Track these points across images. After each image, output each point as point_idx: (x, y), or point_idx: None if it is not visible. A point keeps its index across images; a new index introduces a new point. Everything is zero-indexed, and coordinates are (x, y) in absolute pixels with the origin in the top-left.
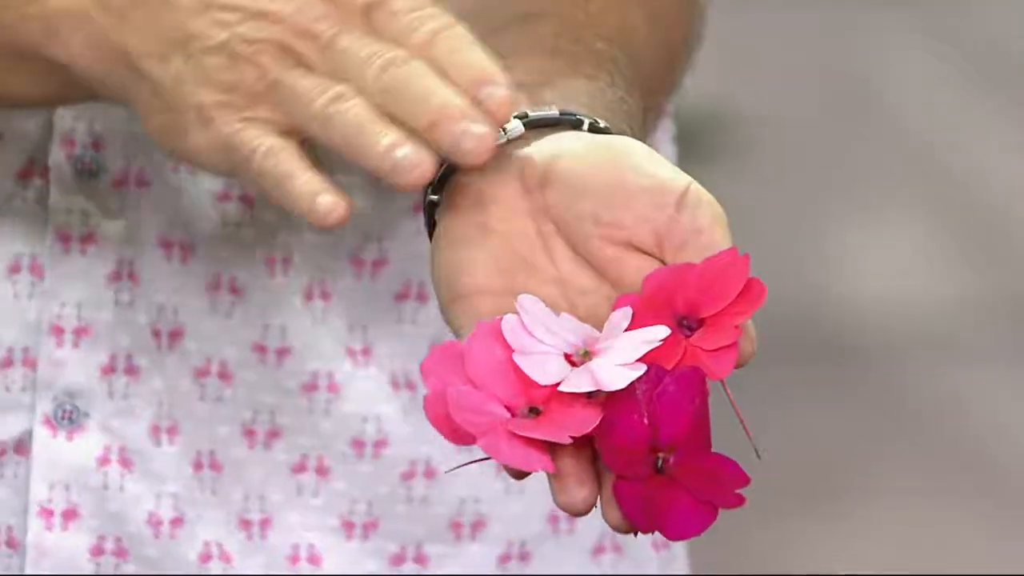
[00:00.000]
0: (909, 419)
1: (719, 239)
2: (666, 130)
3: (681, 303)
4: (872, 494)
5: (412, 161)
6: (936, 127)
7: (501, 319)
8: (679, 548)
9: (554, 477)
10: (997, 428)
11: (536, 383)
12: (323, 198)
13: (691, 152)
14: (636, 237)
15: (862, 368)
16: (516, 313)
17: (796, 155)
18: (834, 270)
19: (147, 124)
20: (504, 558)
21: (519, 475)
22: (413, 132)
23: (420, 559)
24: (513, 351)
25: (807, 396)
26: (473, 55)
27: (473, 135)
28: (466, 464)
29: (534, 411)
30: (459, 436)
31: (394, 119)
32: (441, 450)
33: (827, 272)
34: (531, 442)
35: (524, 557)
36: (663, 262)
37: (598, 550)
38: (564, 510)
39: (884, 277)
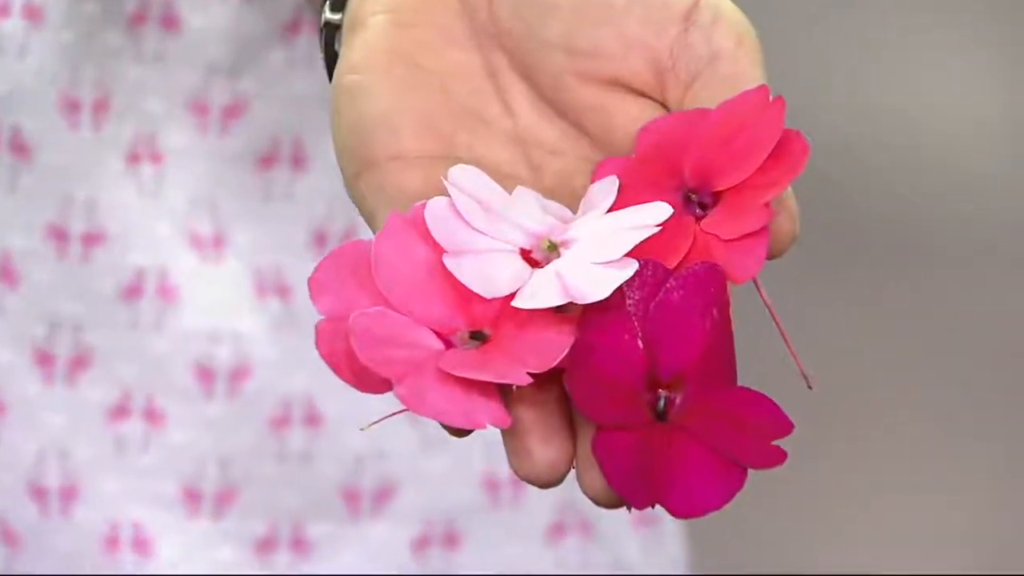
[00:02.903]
0: (986, 332)
1: (746, 68)
2: None
3: (690, 168)
4: (921, 435)
5: None
6: None
7: (423, 205)
8: (670, 524)
9: (508, 433)
10: None
11: (479, 296)
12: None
13: None
14: (626, 71)
15: (928, 256)
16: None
17: None
18: (894, 99)
19: None
20: (421, 542)
21: (458, 432)
22: None
23: (299, 544)
24: (443, 251)
25: (835, 296)
26: None
27: None
28: (388, 417)
29: (478, 336)
30: (367, 382)
31: None
32: (331, 383)
33: (882, 103)
34: (473, 385)
35: (451, 541)
36: (666, 108)
37: (555, 529)
38: (525, 480)
39: (965, 110)
